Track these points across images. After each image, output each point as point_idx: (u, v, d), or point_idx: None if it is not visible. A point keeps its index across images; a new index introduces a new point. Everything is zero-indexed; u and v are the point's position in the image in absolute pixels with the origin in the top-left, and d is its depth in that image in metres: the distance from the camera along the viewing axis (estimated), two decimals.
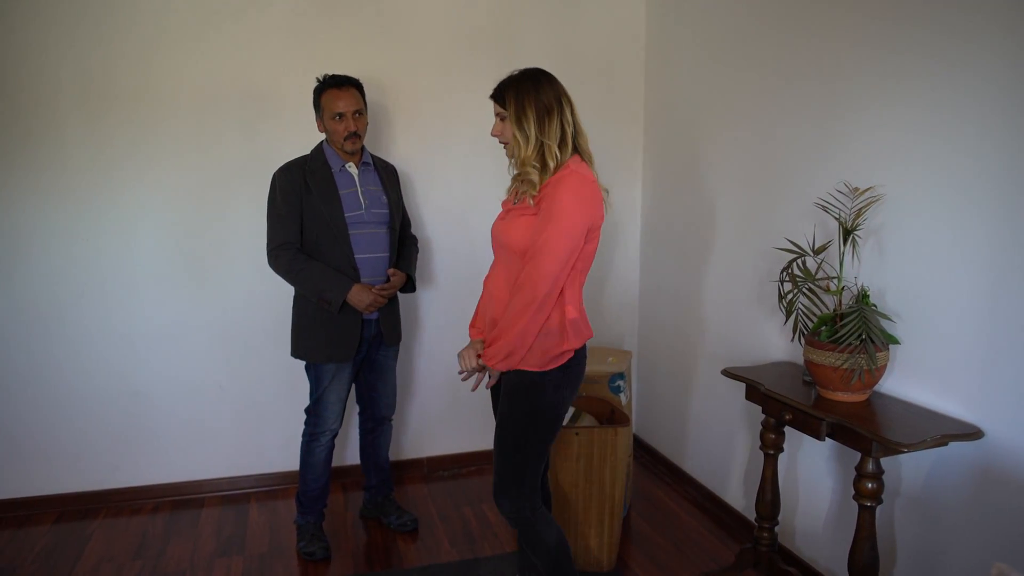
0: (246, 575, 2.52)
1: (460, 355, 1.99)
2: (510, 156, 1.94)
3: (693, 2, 2.94)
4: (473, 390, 2.03)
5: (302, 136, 2.78)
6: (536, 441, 1.91)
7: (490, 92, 3.22)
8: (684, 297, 3.11)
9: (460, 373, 1.99)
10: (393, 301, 2.63)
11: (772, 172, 2.49)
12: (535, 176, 1.83)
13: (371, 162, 2.59)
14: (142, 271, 2.92)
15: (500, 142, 1.95)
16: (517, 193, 1.97)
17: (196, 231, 2.95)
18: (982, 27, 1.71)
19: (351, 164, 2.51)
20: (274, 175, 2.49)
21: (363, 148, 2.55)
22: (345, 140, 2.43)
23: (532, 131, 1.82)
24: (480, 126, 3.14)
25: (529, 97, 1.83)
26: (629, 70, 3.34)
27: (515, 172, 2.02)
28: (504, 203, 2.05)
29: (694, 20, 2.94)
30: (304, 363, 2.61)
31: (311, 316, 2.49)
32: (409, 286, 2.65)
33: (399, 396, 3.22)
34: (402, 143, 3.09)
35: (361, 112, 2.46)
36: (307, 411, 2.61)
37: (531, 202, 1.84)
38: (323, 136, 2.54)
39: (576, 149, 1.90)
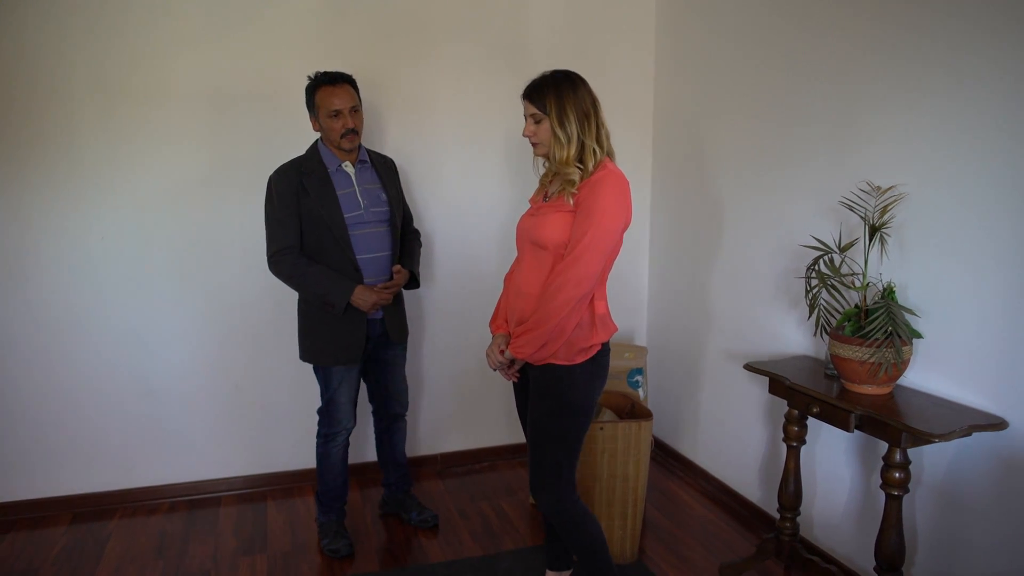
0: (271, 573, 2.53)
1: (486, 353, 2.05)
2: (541, 155, 1.97)
3: None
4: (509, 380, 2.08)
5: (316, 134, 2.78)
6: (571, 433, 1.95)
7: (496, 89, 3.24)
8: (695, 294, 3.15)
9: (494, 369, 2.04)
10: (397, 299, 2.60)
11: (787, 171, 2.54)
12: (576, 176, 1.86)
13: (368, 159, 2.53)
14: (157, 270, 2.91)
15: (532, 142, 1.96)
16: (547, 192, 2.00)
17: (213, 230, 2.94)
18: (1006, 23, 1.77)
19: (348, 163, 2.46)
20: (270, 178, 2.44)
21: (360, 145, 2.50)
22: (342, 138, 2.38)
23: (575, 132, 1.85)
24: (482, 120, 3.17)
25: (570, 99, 1.86)
26: (638, 66, 3.37)
27: (544, 170, 2.05)
28: (533, 200, 2.08)
29: (705, 15, 2.98)
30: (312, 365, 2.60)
31: (316, 319, 2.47)
32: (412, 282, 2.61)
33: (412, 393, 3.25)
34: (401, 137, 3.08)
35: (357, 108, 2.41)
36: (319, 412, 2.61)
37: (569, 200, 1.87)
38: (318, 135, 2.48)
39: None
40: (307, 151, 2.48)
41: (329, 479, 2.63)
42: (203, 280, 2.97)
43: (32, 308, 2.82)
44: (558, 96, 1.86)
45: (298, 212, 2.39)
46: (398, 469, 2.85)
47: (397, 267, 2.48)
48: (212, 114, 2.86)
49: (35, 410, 2.88)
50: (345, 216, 2.40)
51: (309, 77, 2.41)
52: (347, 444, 2.64)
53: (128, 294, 2.90)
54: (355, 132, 2.40)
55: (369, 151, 2.59)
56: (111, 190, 2.82)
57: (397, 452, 2.83)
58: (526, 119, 1.94)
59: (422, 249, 2.81)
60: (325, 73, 2.40)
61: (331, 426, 2.58)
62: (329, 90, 2.36)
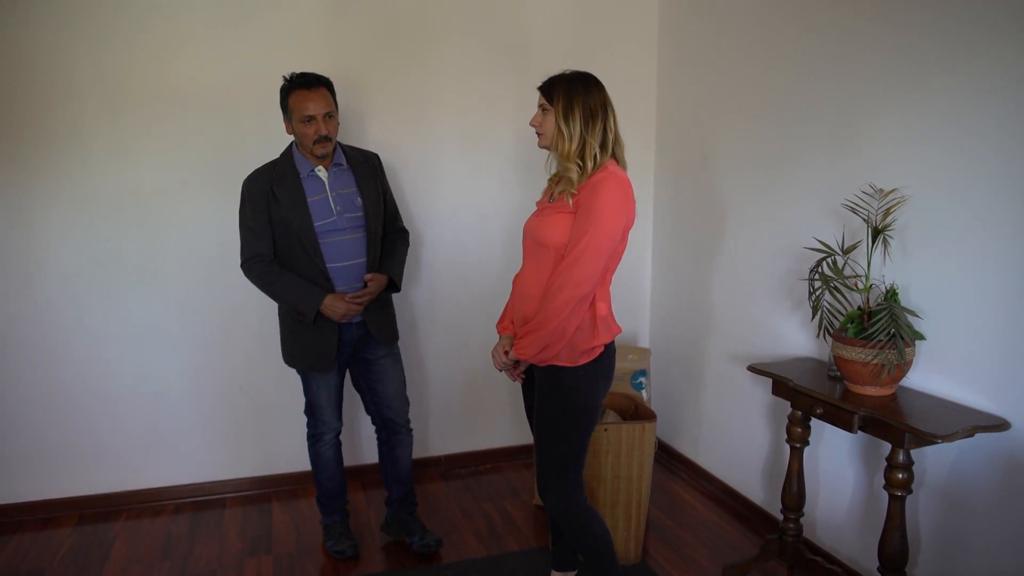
0: (277, 574, 2.54)
1: (492, 354, 2.09)
2: (542, 146, 2.00)
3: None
4: (515, 380, 2.11)
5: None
6: (575, 435, 1.96)
7: (502, 93, 3.23)
8: (698, 295, 3.17)
9: (499, 370, 2.07)
10: (381, 300, 2.50)
11: (790, 172, 2.55)
12: (574, 175, 1.88)
13: (344, 162, 2.43)
14: (164, 272, 2.93)
15: (537, 132, 1.99)
16: (552, 193, 2.03)
17: (218, 231, 2.95)
18: (1007, 24, 1.78)
19: (320, 168, 2.38)
20: (243, 183, 2.40)
21: (336, 147, 2.42)
22: (315, 144, 2.30)
23: (577, 129, 1.87)
24: (485, 121, 3.19)
25: (578, 97, 1.88)
26: (641, 66, 3.38)
27: (553, 172, 2.07)
28: (539, 203, 2.10)
29: (707, 16, 3.00)
30: None
31: (290, 325, 2.46)
32: (392, 286, 2.51)
33: (416, 395, 3.26)
34: (403, 139, 3.09)
35: (332, 114, 2.33)
36: (305, 413, 2.61)
37: (569, 201, 1.89)
38: (292, 138, 2.42)
39: (613, 156, 1.96)
40: (281, 154, 2.42)
41: (324, 480, 2.62)
42: (207, 281, 2.98)
43: (38, 310, 2.83)
44: (567, 92, 1.89)
45: (269, 219, 2.35)
46: (401, 487, 2.67)
47: (369, 275, 2.39)
48: (217, 116, 2.88)
49: (41, 412, 2.90)
50: (316, 224, 2.34)
51: (284, 78, 2.34)
52: (337, 444, 2.62)
53: (134, 296, 2.91)
54: (328, 139, 2.31)
55: (350, 149, 2.50)
56: (116, 193, 2.83)
57: (401, 468, 2.65)
58: (537, 109, 1.98)
59: (410, 248, 2.69)
60: (301, 75, 2.31)
61: (315, 426, 2.57)
62: (303, 94, 2.28)
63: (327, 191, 2.38)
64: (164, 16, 2.77)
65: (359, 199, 2.43)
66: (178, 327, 2.98)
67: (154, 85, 2.80)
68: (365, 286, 2.40)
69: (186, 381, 3.03)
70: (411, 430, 2.66)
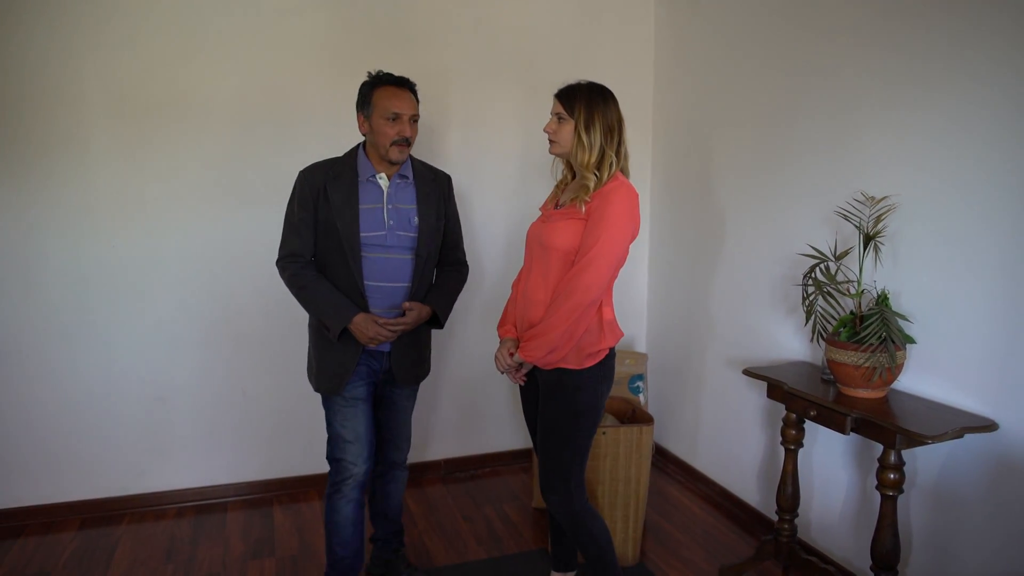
0: None
1: (495, 357, 2.12)
2: (555, 153, 2.04)
3: (702, 7, 3.07)
4: (516, 382, 2.16)
5: (330, 148, 2.83)
6: (579, 437, 2.01)
7: (511, 101, 3.25)
8: (694, 301, 3.22)
9: (501, 372, 2.12)
10: (413, 336, 2.24)
11: (784, 179, 2.61)
12: (591, 182, 1.94)
13: (410, 175, 2.21)
14: (168, 278, 2.96)
15: (550, 139, 2.03)
16: (559, 199, 2.07)
17: (222, 237, 2.99)
18: (994, 39, 1.84)
19: (382, 176, 2.15)
20: (298, 175, 2.19)
21: (408, 159, 2.21)
22: (392, 145, 2.09)
23: (598, 140, 1.93)
24: (488, 128, 3.25)
25: (599, 110, 1.95)
26: (638, 73, 3.45)
27: (560, 176, 2.12)
28: (544, 208, 2.14)
29: (704, 25, 3.06)
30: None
31: (315, 339, 2.24)
32: (434, 321, 2.27)
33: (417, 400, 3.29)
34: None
35: (417, 118, 2.15)
36: (327, 459, 2.24)
37: (581, 208, 1.94)
38: (362, 140, 2.21)
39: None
40: (345, 153, 2.21)
41: (336, 545, 2.22)
42: (211, 287, 3.02)
43: (43, 315, 2.86)
44: (588, 104, 1.95)
45: (315, 218, 2.14)
46: (389, 525, 2.46)
47: (407, 304, 2.15)
48: (221, 124, 2.92)
49: (44, 416, 2.92)
50: (362, 235, 2.11)
51: (369, 73, 2.16)
52: (359, 499, 2.21)
53: (138, 301, 2.95)
54: (408, 143, 2.12)
55: (420, 164, 2.29)
56: (120, 198, 2.86)
57: (391, 505, 2.44)
58: (552, 116, 2.02)
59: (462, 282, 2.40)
60: (389, 73, 2.14)
61: (337, 472, 2.20)
62: (392, 91, 2.10)
63: (383, 202, 2.15)
64: (170, 25, 2.81)
65: (415, 218, 2.19)
66: (182, 332, 3.01)
67: (159, 93, 2.84)
68: (403, 314, 2.16)
69: (189, 386, 3.06)
70: (407, 469, 2.46)
